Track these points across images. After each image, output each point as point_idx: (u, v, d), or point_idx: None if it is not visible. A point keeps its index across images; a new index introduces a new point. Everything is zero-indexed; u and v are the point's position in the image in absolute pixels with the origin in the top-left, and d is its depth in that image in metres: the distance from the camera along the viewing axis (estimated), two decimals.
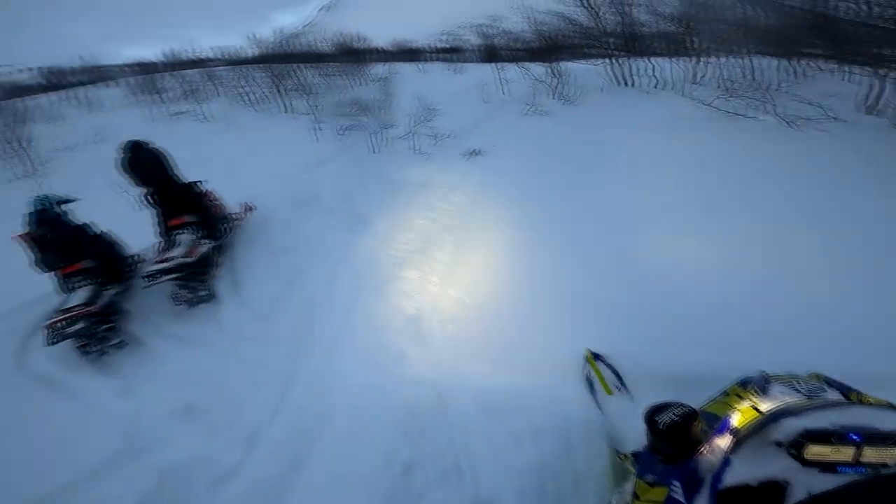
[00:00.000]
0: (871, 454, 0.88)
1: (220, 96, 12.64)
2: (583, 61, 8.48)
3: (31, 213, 3.80)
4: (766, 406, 1.11)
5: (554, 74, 7.99)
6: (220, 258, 4.46)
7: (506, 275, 3.36)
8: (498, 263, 3.52)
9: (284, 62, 13.34)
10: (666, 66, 7.29)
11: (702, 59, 6.88)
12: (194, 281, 3.92)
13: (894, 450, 0.88)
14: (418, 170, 5.73)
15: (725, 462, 1.01)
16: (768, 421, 1.01)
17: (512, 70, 9.02)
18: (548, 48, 9.06)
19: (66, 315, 3.35)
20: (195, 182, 4.63)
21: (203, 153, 7.77)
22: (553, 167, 4.95)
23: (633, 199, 3.97)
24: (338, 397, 2.67)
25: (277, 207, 5.15)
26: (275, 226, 4.84)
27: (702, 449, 1.12)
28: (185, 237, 4.21)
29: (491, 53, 12.33)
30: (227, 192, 5.19)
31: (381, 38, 17.81)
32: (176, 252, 3.90)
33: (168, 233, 4.25)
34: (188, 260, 3.78)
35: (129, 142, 4.33)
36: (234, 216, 5.03)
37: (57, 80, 19.77)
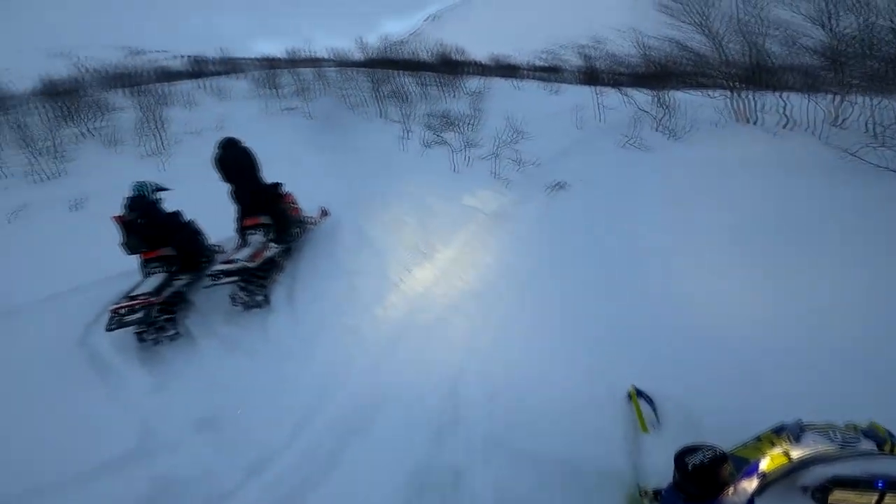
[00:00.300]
0: (892, 500, 1.01)
1: (326, 96, 13.54)
2: (696, 92, 7.70)
3: (127, 198, 4.14)
4: (797, 453, 1.20)
5: (660, 104, 7.35)
6: (285, 262, 4.58)
7: (566, 348, 2.98)
8: (562, 330, 3.14)
9: (387, 68, 13.96)
10: (801, 104, 6.33)
11: (846, 97, 5.86)
12: (254, 284, 4.04)
13: None
14: (495, 198, 5.46)
15: (749, 503, 1.11)
16: (799, 467, 1.11)
17: (612, 95, 8.46)
18: (655, 75, 8.37)
19: (130, 303, 3.57)
20: (276, 184, 4.79)
21: (299, 150, 8.34)
22: (647, 212, 4.42)
23: (732, 260, 3.44)
24: (353, 443, 2.56)
25: (351, 215, 5.23)
26: (344, 235, 4.88)
27: (727, 490, 1.19)
28: (255, 238, 4.36)
29: (591, 76, 11.77)
30: (312, 191, 5.40)
31: (479, 51, 17.95)
32: (241, 254, 4.03)
33: (243, 231, 4.45)
34: (250, 265, 3.89)
35: (224, 139, 4.59)
36: (309, 220, 5.14)
37: (199, 69, 22.37)
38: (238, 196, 4.51)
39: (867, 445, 1.26)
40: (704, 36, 7.29)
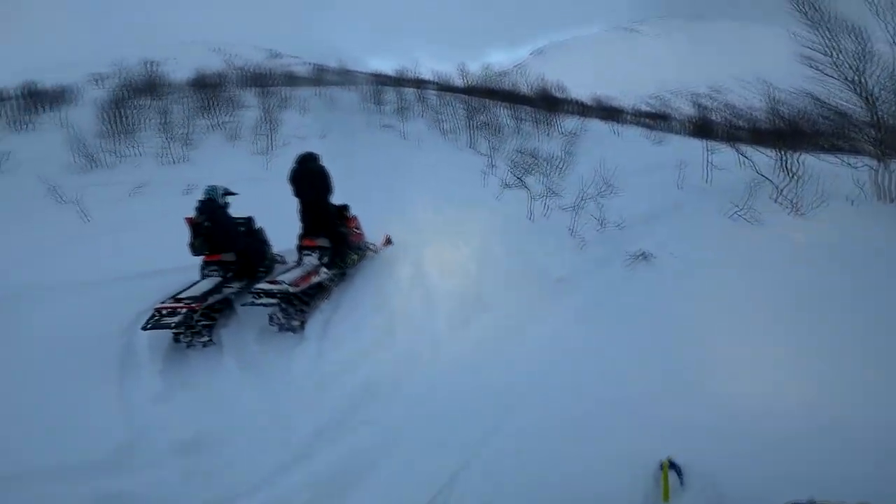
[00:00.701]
0: None
1: (422, 118, 14.10)
2: (832, 157, 6.58)
3: (199, 200, 4.28)
4: None
5: (784, 169, 6.38)
6: (336, 287, 4.47)
7: (592, 452, 2.50)
8: (595, 432, 2.64)
9: (485, 97, 14.19)
10: None
11: None
12: (294, 307, 3.95)
13: None
14: (566, 260, 4.79)
15: None
16: None
17: (725, 153, 7.53)
18: (781, 133, 7.33)
19: (173, 305, 3.61)
20: (343, 206, 4.74)
21: (385, 170, 8.62)
22: (735, 295, 3.68)
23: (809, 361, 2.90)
24: None
25: (414, 247, 5.05)
26: (401, 268, 4.68)
27: None
28: (309, 260, 4.30)
29: (703, 128, 10.80)
30: (383, 214, 5.34)
31: (582, 90, 17.57)
32: (287, 276, 3.97)
33: (300, 251, 4.42)
34: (291, 290, 3.79)
35: (302, 154, 4.60)
36: (370, 247, 5.05)
37: (319, 77, 24.62)
38: (302, 214, 4.50)
39: None
40: (854, 93, 6.20)
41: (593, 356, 3.29)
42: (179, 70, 20.30)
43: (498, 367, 3.31)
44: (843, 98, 6.34)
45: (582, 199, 5.60)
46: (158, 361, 3.61)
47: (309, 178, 4.44)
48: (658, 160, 8.39)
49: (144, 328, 3.56)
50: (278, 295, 3.76)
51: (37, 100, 15.36)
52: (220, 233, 4.24)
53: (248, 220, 4.71)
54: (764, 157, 6.79)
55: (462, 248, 5.03)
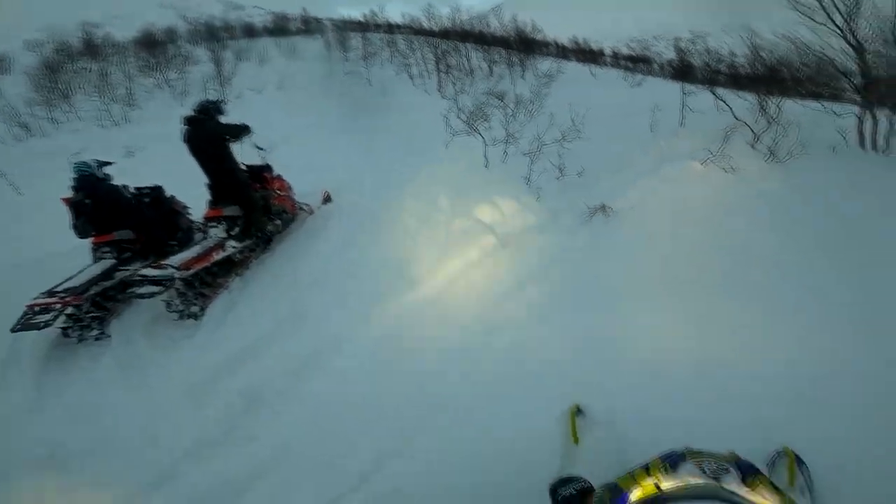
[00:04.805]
0: None
1: (391, 63, 13.15)
2: (816, 104, 6.25)
3: (73, 178, 3.68)
4: (667, 484, 1.26)
5: (763, 113, 6.04)
6: (255, 259, 4.00)
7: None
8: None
9: (458, 40, 13.26)
10: None
11: None
12: (193, 291, 3.49)
13: None
14: (517, 215, 4.32)
15: None
16: (667, 498, 1.21)
17: (703, 97, 7.09)
18: (761, 77, 6.92)
19: (46, 301, 3.13)
20: (263, 167, 4.20)
21: (343, 121, 8.00)
22: (713, 278, 3.30)
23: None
24: None
25: (351, 208, 4.56)
26: (331, 234, 4.16)
27: None
28: (215, 233, 3.80)
29: (682, 72, 10.25)
30: (325, 167, 4.82)
31: (562, 32, 16.61)
32: (178, 258, 3.48)
33: (205, 224, 3.90)
34: (178, 275, 3.32)
35: (191, 115, 3.85)
36: (303, 208, 4.55)
37: (281, 26, 22.92)
38: (208, 180, 3.88)
39: (731, 478, 1.23)
40: (843, 39, 5.80)
41: (528, 332, 3.02)
42: (125, 29, 18.51)
43: (419, 361, 2.87)
44: (829, 44, 5.93)
45: (540, 145, 5.05)
46: (41, 362, 3.14)
47: (204, 141, 3.75)
48: (633, 103, 7.86)
49: (13, 330, 3.05)
50: (164, 282, 3.26)
51: None
52: (106, 209, 3.68)
53: (156, 189, 4.13)
54: (743, 102, 6.43)
55: (404, 206, 4.47)
